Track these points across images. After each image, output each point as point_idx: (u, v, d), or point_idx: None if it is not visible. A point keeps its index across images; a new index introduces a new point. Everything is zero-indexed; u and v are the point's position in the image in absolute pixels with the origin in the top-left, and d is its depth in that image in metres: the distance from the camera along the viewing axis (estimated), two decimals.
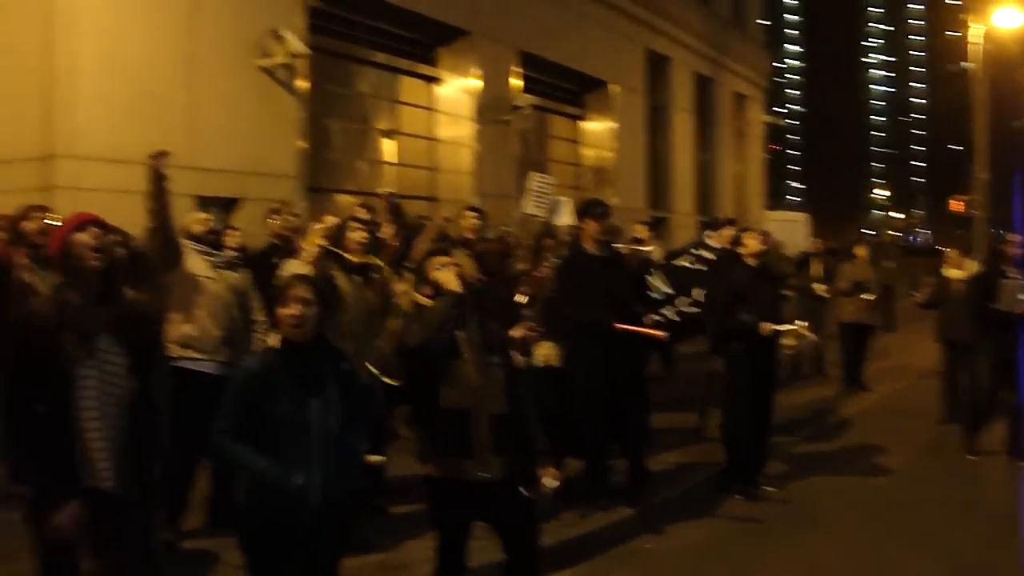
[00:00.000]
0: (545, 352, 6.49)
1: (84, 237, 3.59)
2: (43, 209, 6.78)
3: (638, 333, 6.54)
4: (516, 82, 16.49)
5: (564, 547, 5.87)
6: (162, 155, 4.86)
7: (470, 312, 4.37)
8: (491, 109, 15.83)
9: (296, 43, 11.44)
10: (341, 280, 5.58)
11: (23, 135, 9.75)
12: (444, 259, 4.53)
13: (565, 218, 12.68)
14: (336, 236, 5.82)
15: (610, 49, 19.41)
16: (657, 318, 7.36)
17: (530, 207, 10.46)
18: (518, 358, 4.97)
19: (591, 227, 6.72)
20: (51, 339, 3.44)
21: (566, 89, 19.61)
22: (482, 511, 4.29)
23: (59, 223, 6.65)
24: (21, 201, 7.65)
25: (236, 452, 3.66)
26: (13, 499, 3.64)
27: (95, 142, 9.67)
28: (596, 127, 20.25)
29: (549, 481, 4.28)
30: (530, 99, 16.68)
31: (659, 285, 8.09)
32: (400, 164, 15.68)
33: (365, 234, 5.83)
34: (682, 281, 8.19)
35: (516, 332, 5.40)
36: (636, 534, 6.51)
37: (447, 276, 4.38)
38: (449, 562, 4.36)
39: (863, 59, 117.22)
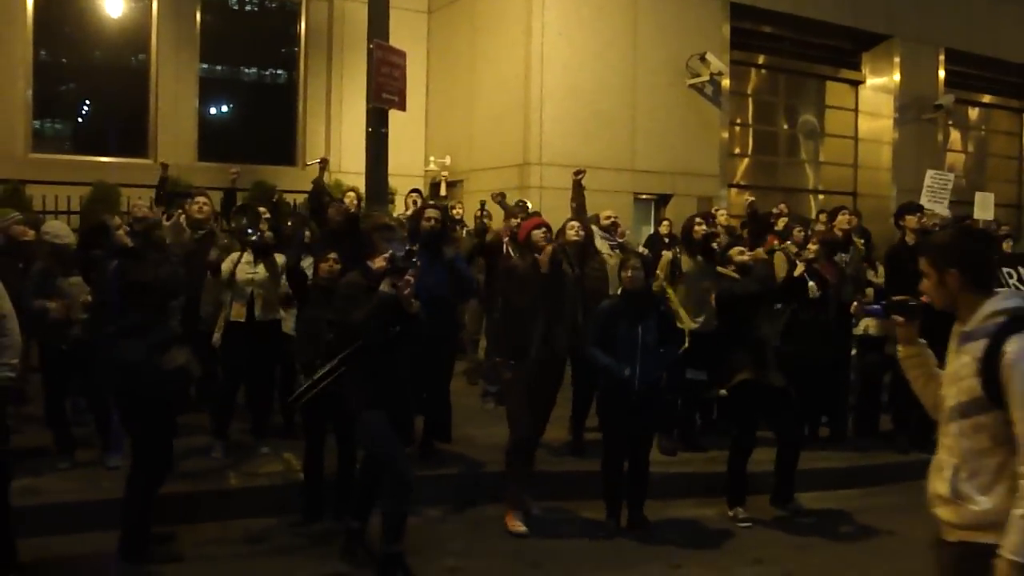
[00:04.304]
0: (866, 322, 8.05)
1: (538, 233, 6.11)
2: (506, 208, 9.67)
3: None
4: (940, 81, 17.06)
5: (857, 471, 7.48)
6: (581, 172, 7.22)
7: None
8: (913, 108, 16.64)
9: (718, 63, 13.53)
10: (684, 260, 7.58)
11: (509, 148, 13.06)
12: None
13: (985, 212, 13.32)
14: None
15: None
16: None
17: (926, 202, 11.45)
18: None
19: (910, 222, 7.98)
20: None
21: (1006, 82, 19.44)
22: (769, 409, 6.24)
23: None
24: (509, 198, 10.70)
25: (596, 355, 5.99)
26: None
27: (557, 151, 12.61)
28: None
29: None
30: (955, 96, 17.03)
31: None
32: (823, 162, 17.17)
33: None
34: None
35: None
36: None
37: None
38: (745, 444, 6.38)
39: None
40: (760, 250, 7.29)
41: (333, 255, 5.85)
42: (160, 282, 5.12)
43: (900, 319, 3.09)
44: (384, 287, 5.03)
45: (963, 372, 2.82)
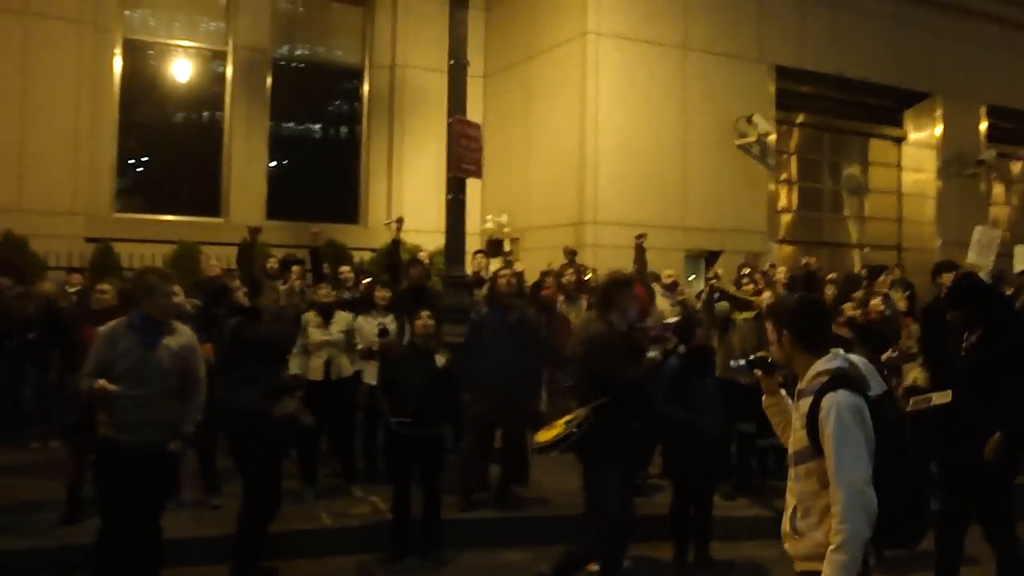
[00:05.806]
0: (914, 375, 8.38)
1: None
2: (573, 264, 10.17)
3: None
4: (981, 136, 17.49)
5: None
6: (643, 235, 7.73)
7: None
8: (955, 163, 17.04)
9: (765, 124, 14.08)
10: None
11: (564, 208, 13.65)
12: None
13: (1021, 264, 13.58)
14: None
15: None
16: None
17: (973, 257, 11.74)
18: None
19: (945, 279, 8.35)
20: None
21: None
22: None
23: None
24: (562, 255, 11.25)
25: (672, 411, 6.41)
26: None
27: (611, 211, 13.20)
28: None
29: None
30: (997, 150, 17.40)
31: None
32: (868, 217, 17.58)
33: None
34: None
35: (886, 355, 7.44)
36: None
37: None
38: None
39: None
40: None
41: (427, 312, 6.37)
42: (273, 338, 5.72)
43: (759, 372, 3.55)
44: (652, 353, 5.75)
45: (797, 424, 3.27)
